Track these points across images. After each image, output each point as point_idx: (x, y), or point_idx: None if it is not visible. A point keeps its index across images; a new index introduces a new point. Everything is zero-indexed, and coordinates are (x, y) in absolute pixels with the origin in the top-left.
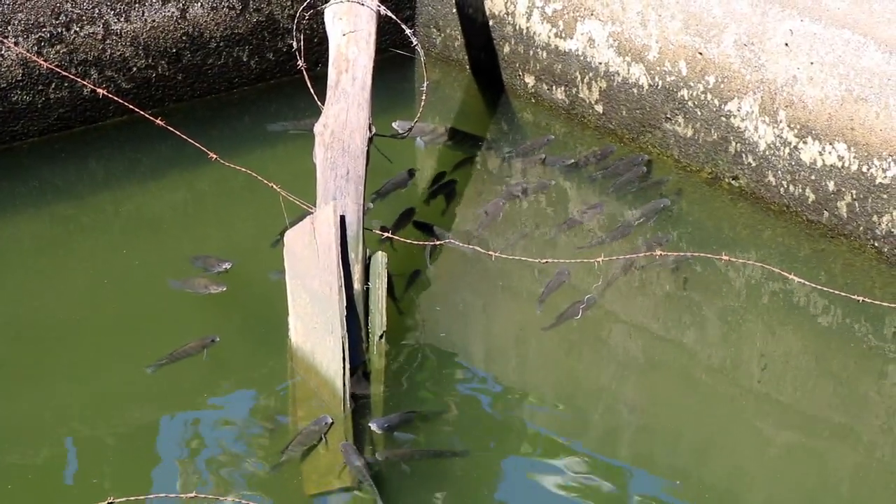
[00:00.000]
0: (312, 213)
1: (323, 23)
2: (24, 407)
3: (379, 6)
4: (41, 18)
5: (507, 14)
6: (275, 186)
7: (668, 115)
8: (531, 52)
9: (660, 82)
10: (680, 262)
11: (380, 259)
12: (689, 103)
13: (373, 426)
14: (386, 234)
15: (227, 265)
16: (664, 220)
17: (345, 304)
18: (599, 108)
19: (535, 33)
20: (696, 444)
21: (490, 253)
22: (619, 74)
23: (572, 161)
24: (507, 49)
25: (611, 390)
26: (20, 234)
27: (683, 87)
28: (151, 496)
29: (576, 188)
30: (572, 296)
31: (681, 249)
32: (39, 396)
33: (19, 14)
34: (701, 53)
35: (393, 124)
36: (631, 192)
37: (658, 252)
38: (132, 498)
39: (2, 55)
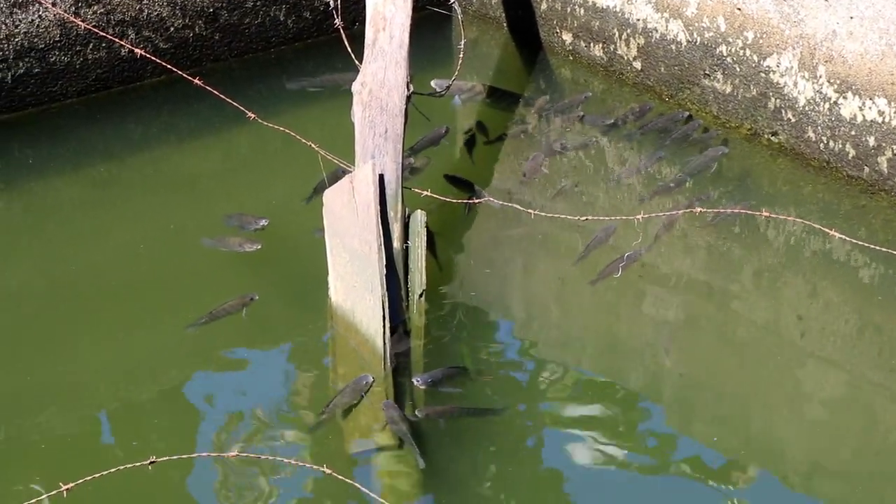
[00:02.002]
0: (347, 170)
1: None
2: (64, 367)
3: None
4: None
5: None
6: (313, 145)
7: (707, 72)
8: (569, 9)
9: (698, 38)
10: (719, 218)
11: (419, 217)
12: (728, 59)
13: (416, 382)
14: (425, 192)
15: (263, 222)
16: (704, 177)
17: (384, 263)
18: (638, 65)
19: None
20: (736, 400)
21: (529, 211)
22: (657, 31)
23: (611, 121)
24: (544, 6)
25: (650, 347)
26: (59, 194)
27: (722, 43)
28: (193, 455)
29: (614, 145)
30: (612, 252)
31: (720, 206)
32: (79, 357)
33: None
34: (739, 9)
35: (431, 82)
36: (686, 145)
37: (698, 208)
38: (174, 457)
39: (40, 16)
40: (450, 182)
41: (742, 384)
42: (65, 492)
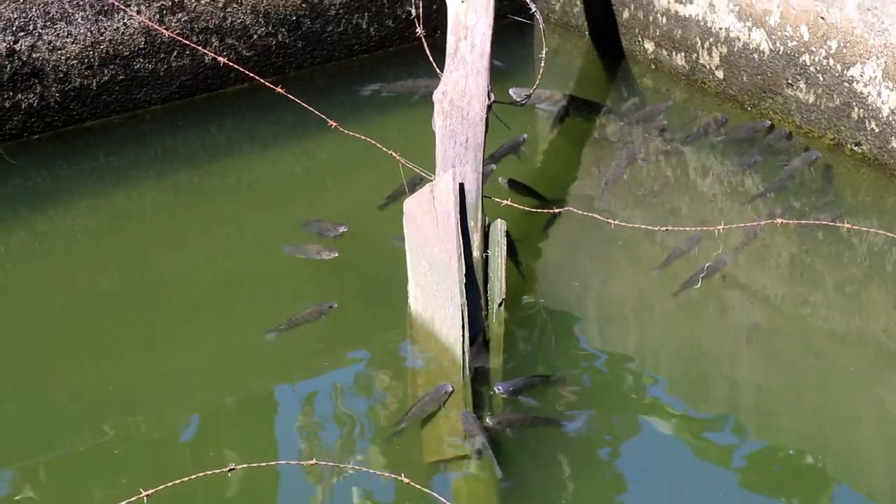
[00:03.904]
0: (425, 178)
1: None
2: (144, 373)
3: None
4: None
5: None
6: (393, 154)
7: (790, 81)
8: (651, 18)
9: (781, 47)
10: (802, 229)
11: (499, 227)
12: (811, 69)
13: (498, 390)
14: (505, 202)
15: (342, 229)
16: (788, 186)
17: (464, 272)
18: (720, 74)
19: None
20: (816, 412)
21: (609, 221)
22: (739, 40)
23: (690, 135)
24: (626, 14)
25: (731, 358)
26: (142, 201)
27: (805, 53)
28: (272, 463)
29: (696, 154)
30: (694, 263)
31: (802, 217)
32: (159, 363)
33: None
34: (823, 18)
35: (510, 91)
36: (771, 154)
37: (779, 220)
38: (253, 465)
39: (125, 23)
40: (513, 189)
41: (823, 396)
42: (145, 497)
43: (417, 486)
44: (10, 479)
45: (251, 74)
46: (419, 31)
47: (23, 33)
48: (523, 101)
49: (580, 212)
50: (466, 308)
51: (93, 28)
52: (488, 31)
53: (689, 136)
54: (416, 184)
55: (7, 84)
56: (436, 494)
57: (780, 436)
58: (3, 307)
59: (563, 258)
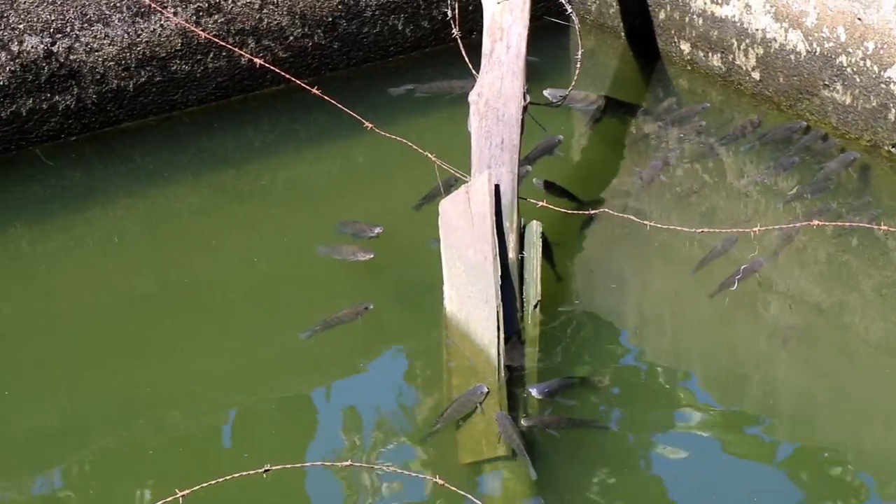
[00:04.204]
0: (460, 179)
1: None
2: (179, 373)
3: None
4: None
5: None
6: (429, 155)
7: (827, 82)
8: (687, 19)
9: (818, 49)
10: (838, 231)
11: (534, 228)
12: (848, 70)
13: (533, 392)
14: (540, 203)
15: (377, 230)
16: (826, 187)
17: (499, 274)
18: (756, 76)
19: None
20: (852, 415)
21: (645, 223)
22: (776, 41)
23: (726, 136)
24: (662, 15)
25: (767, 359)
26: (178, 201)
27: (842, 54)
28: (307, 464)
29: (732, 155)
30: (731, 264)
31: (839, 219)
32: (194, 363)
33: None
34: (860, 19)
35: (544, 92)
36: (807, 155)
37: (815, 221)
38: (288, 465)
39: (161, 25)
40: (549, 191)
41: (860, 400)
42: (180, 498)
43: (452, 488)
44: (46, 478)
45: (287, 76)
46: (455, 32)
47: (60, 35)
48: (559, 103)
49: (616, 213)
50: (502, 309)
51: (129, 30)
52: (524, 33)
53: (726, 137)
54: (451, 185)
55: (44, 86)
56: (470, 496)
57: (816, 438)
58: (40, 307)
59: (599, 260)
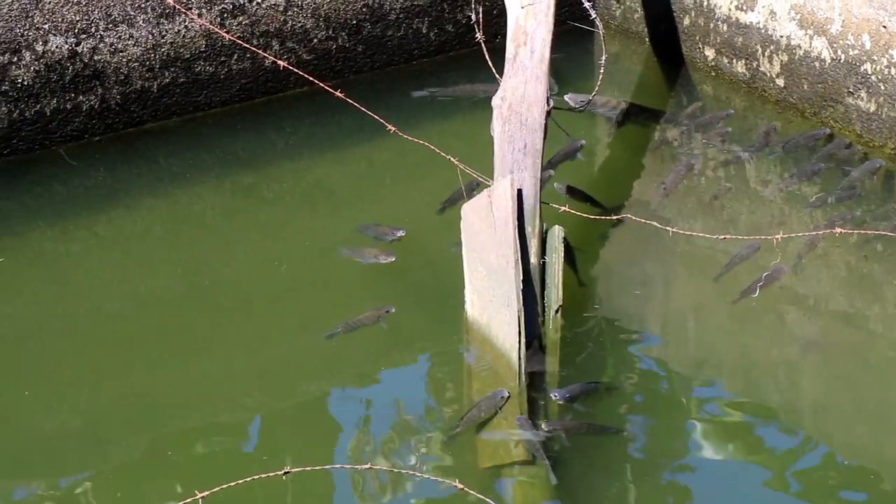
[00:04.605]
0: (483, 182)
1: None
2: (200, 374)
3: None
4: None
5: None
6: (452, 159)
7: (851, 90)
8: (711, 25)
9: (842, 56)
10: (862, 239)
11: (556, 233)
12: (873, 77)
13: (555, 396)
14: (563, 208)
15: (399, 233)
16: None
17: (521, 278)
18: (780, 82)
19: (715, 5)
20: (874, 424)
21: (667, 229)
22: (800, 48)
23: (751, 147)
24: (686, 21)
25: (789, 367)
26: (201, 203)
27: (867, 61)
28: (326, 467)
29: (755, 162)
30: (755, 270)
31: (862, 226)
32: (215, 364)
33: None
34: (885, 27)
35: (566, 97)
36: (832, 163)
37: (838, 229)
38: (308, 468)
39: (186, 26)
40: (571, 196)
41: (882, 409)
42: (200, 499)
43: (472, 492)
44: (67, 479)
45: (311, 78)
46: (479, 36)
47: (84, 35)
48: (582, 108)
49: (638, 219)
50: (523, 314)
51: (154, 31)
52: (548, 37)
53: (751, 147)
54: (473, 189)
55: (69, 86)
56: (490, 501)
57: (838, 447)
58: (62, 308)
59: (621, 265)
